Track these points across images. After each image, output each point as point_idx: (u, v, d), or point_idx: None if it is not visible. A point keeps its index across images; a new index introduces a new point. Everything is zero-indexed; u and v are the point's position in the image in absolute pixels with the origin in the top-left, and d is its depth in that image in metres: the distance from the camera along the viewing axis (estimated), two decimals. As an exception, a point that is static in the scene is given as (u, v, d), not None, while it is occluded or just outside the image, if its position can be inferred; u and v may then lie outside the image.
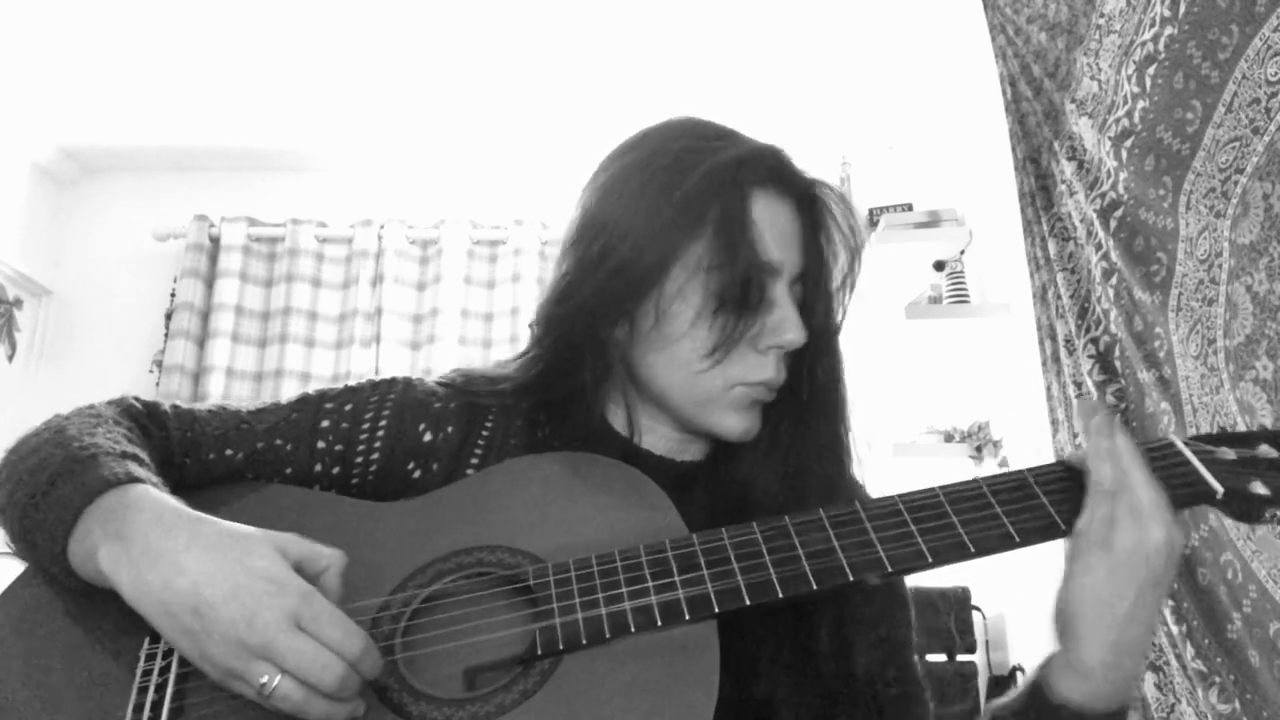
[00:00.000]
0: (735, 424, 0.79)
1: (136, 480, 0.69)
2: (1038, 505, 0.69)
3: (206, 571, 0.61)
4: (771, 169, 0.81)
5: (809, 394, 0.82)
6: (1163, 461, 0.70)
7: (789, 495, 0.80)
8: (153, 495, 0.68)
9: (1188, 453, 0.70)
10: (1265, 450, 0.71)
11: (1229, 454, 0.71)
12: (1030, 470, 0.71)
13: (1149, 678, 1.45)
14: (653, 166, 0.79)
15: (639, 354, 0.80)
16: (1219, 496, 0.68)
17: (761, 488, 0.81)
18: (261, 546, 0.63)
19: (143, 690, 0.64)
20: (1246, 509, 0.69)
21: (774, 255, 0.77)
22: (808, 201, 0.83)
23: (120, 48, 2.65)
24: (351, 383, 0.86)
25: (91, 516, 0.66)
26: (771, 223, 0.78)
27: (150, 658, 0.66)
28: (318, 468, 0.81)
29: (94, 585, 0.67)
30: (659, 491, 0.74)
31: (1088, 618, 0.65)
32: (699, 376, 0.78)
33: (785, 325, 0.77)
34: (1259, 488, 0.68)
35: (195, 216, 3.09)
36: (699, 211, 0.76)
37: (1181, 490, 0.68)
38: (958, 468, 2.32)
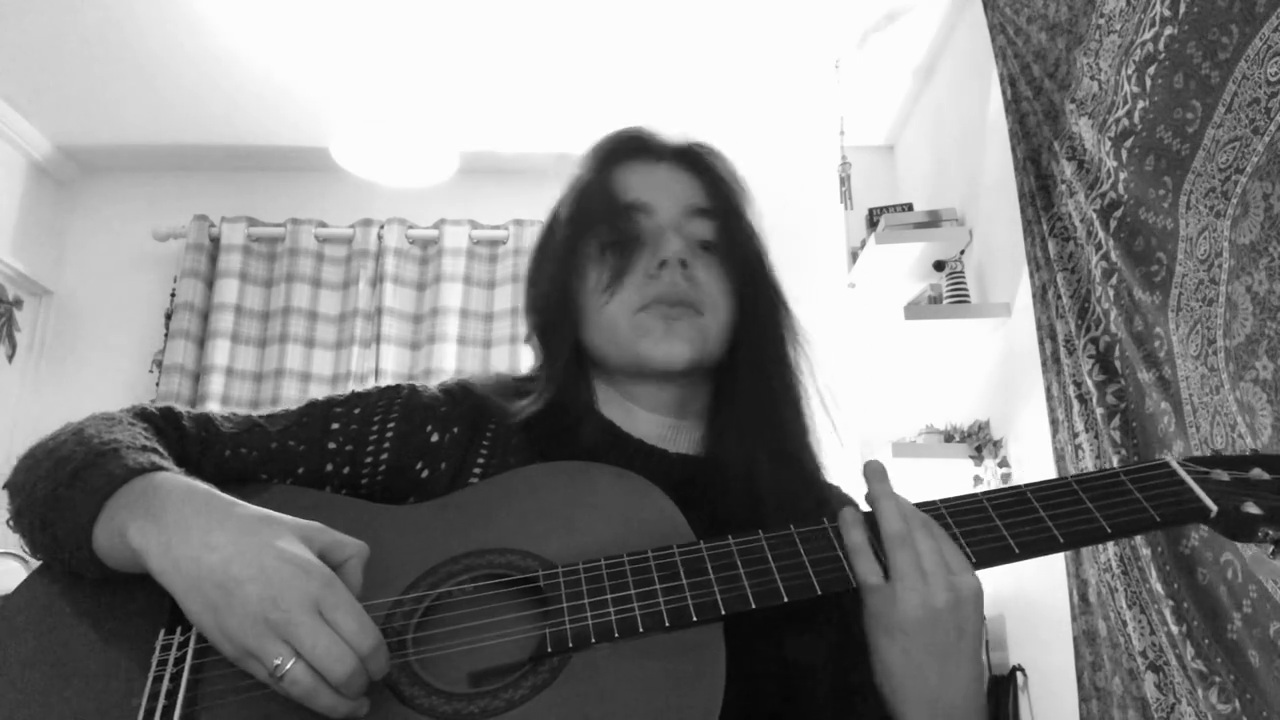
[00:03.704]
0: (650, 347, 0.83)
1: (160, 469, 0.70)
2: (1037, 519, 0.70)
3: (236, 549, 0.62)
4: (630, 145, 0.92)
5: (752, 330, 0.88)
6: (1158, 480, 0.73)
7: (764, 473, 0.83)
8: (181, 479, 0.69)
9: (1182, 472, 0.73)
10: (1258, 473, 0.73)
11: (1223, 475, 0.74)
12: (1029, 486, 0.73)
13: (1149, 678, 1.45)
14: (566, 190, 0.93)
15: (588, 340, 0.87)
16: (1212, 515, 0.71)
17: (741, 471, 0.84)
18: (289, 532, 0.65)
19: (158, 679, 0.65)
20: (1239, 527, 0.71)
21: (639, 197, 0.87)
22: (687, 160, 0.92)
23: (121, 47, 2.65)
24: (358, 389, 0.89)
25: (118, 501, 0.68)
26: (636, 179, 0.89)
27: (165, 648, 0.67)
28: (328, 467, 0.83)
29: (115, 571, 0.69)
30: (664, 497, 0.75)
31: (900, 694, 0.67)
32: (606, 318, 0.85)
33: (662, 242, 0.85)
34: (1251, 507, 0.71)
35: (195, 216, 3.10)
36: (575, 199, 0.90)
37: (1176, 508, 0.71)
38: (958, 468, 2.32)
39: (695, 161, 0.91)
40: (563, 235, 0.89)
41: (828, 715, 0.75)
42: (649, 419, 0.87)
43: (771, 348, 0.89)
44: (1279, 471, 0.73)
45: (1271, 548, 0.72)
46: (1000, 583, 2.16)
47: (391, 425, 0.84)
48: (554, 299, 0.88)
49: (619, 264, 0.84)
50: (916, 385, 2.71)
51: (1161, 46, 1.41)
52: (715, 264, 0.87)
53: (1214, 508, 0.70)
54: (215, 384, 2.90)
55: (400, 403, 0.86)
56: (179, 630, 0.68)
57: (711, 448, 0.87)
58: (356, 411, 0.85)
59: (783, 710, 0.74)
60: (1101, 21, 1.62)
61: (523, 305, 0.94)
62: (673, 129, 0.94)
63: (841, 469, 0.93)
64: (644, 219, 0.86)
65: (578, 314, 0.87)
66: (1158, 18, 1.42)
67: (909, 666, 0.65)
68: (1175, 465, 0.74)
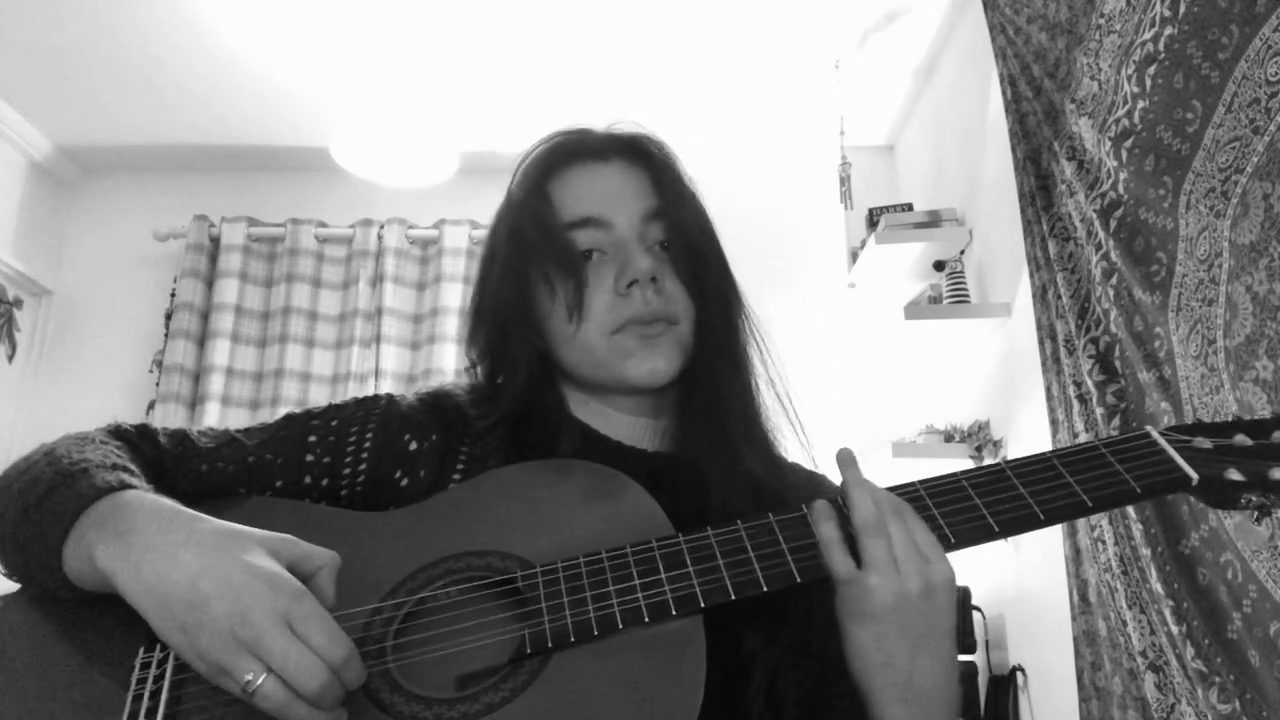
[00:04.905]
0: (634, 368, 0.82)
1: (129, 487, 0.69)
2: (1016, 496, 0.70)
3: (203, 566, 0.61)
4: (570, 148, 0.88)
5: (714, 319, 0.86)
6: (1138, 451, 0.72)
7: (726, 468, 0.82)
8: (149, 497, 0.69)
9: (1162, 441, 0.72)
10: (1241, 439, 0.72)
11: (1205, 443, 0.72)
12: (1008, 463, 0.72)
13: (1149, 678, 1.45)
14: (503, 205, 0.91)
15: (560, 357, 0.86)
16: (1194, 483, 0.70)
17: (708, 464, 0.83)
18: (257, 546, 0.64)
19: (137, 698, 0.64)
20: (1222, 495, 0.70)
21: (592, 210, 0.83)
22: (636, 154, 0.88)
23: (121, 48, 2.65)
24: (336, 401, 0.89)
25: (86, 521, 0.67)
26: (583, 186, 0.85)
27: (145, 666, 0.66)
28: (307, 480, 0.82)
29: (88, 592, 0.68)
30: (642, 492, 0.75)
31: (872, 680, 0.66)
32: (581, 343, 0.83)
33: (629, 259, 0.82)
34: (1234, 474, 0.69)
35: (195, 216, 3.09)
36: (513, 220, 0.87)
37: (1156, 478, 0.70)
38: (958, 468, 2.32)
39: (643, 155, 0.88)
40: (506, 256, 0.87)
41: (807, 700, 0.75)
42: (627, 421, 0.87)
43: (733, 335, 0.88)
44: (1262, 437, 0.72)
45: (1256, 514, 0.71)
46: (1000, 583, 2.16)
47: (369, 435, 0.84)
48: (509, 316, 0.86)
49: (576, 290, 0.82)
50: (916, 385, 2.71)
51: (1161, 46, 1.41)
52: (671, 263, 0.85)
53: (1195, 476, 0.69)
54: (215, 384, 2.90)
55: (378, 413, 0.85)
56: (158, 648, 0.67)
57: (686, 443, 0.86)
58: (334, 423, 0.85)
59: (765, 697, 0.73)
60: (1101, 21, 1.62)
61: (469, 312, 0.91)
62: (608, 118, 0.91)
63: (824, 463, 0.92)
64: (601, 234, 0.83)
65: (537, 328, 0.86)
66: (1158, 18, 1.42)
67: (880, 654, 0.65)
68: (1156, 435, 0.73)
